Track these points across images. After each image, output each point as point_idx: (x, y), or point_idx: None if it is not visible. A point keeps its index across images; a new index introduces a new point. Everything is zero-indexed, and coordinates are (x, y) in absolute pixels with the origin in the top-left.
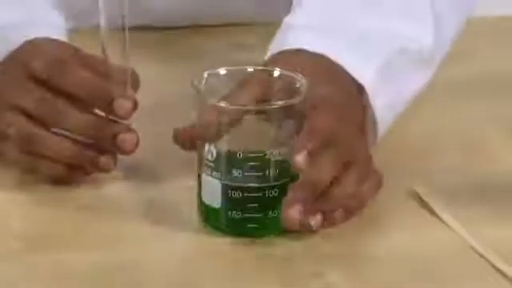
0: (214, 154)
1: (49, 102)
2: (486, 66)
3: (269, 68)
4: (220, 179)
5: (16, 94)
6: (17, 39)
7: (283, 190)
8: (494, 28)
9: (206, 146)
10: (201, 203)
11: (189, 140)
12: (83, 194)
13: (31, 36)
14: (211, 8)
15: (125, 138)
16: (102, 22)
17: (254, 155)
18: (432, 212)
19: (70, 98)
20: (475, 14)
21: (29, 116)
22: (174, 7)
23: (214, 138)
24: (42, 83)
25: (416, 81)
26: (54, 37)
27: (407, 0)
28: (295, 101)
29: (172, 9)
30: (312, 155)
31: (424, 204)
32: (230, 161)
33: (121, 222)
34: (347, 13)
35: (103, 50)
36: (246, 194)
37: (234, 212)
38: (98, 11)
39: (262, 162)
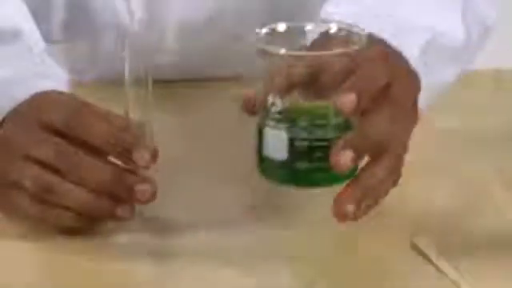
0: (280, 106)
1: (66, 152)
2: (489, 118)
3: (326, 24)
4: (286, 130)
5: (29, 145)
6: (23, 92)
7: None
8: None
9: (271, 99)
10: (262, 158)
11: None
12: (93, 241)
13: (37, 89)
14: (211, 62)
15: (142, 189)
16: (127, 75)
17: (319, 104)
18: (432, 263)
19: (87, 147)
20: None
21: (43, 166)
22: (176, 62)
23: (286, 90)
24: (57, 133)
25: (447, 73)
26: (60, 89)
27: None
28: (356, 47)
29: (173, 64)
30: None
31: (425, 256)
32: (296, 111)
33: (132, 269)
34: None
35: (126, 105)
36: (312, 144)
37: (301, 163)
38: (113, 65)
39: (327, 112)
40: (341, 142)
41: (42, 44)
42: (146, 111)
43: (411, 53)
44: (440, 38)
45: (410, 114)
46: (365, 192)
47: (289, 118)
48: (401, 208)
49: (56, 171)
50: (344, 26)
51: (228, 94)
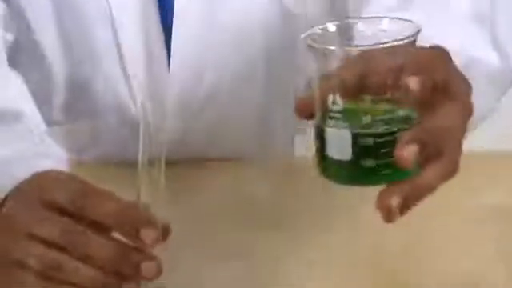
0: (341, 104)
1: (71, 229)
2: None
3: (376, 17)
4: (349, 129)
5: (33, 223)
6: (23, 172)
7: None
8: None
9: (331, 97)
10: (324, 158)
11: (309, 108)
12: None
13: (38, 168)
14: (211, 141)
15: (148, 266)
16: (140, 157)
17: (379, 99)
18: None
19: (90, 223)
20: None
21: (48, 244)
22: (177, 141)
23: (344, 87)
24: (60, 211)
25: (486, 98)
26: (60, 169)
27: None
28: (405, 41)
29: (174, 143)
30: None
31: None
32: (357, 108)
33: None
34: None
35: (138, 188)
36: (376, 140)
37: (367, 161)
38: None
39: (391, 105)
40: (405, 137)
41: (42, 125)
42: (158, 192)
43: None
44: (477, 64)
45: (468, 110)
46: (412, 192)
47: (351, 115)
48: None
49: (61, 249)
50: (394, 19)
51: (229, 174)
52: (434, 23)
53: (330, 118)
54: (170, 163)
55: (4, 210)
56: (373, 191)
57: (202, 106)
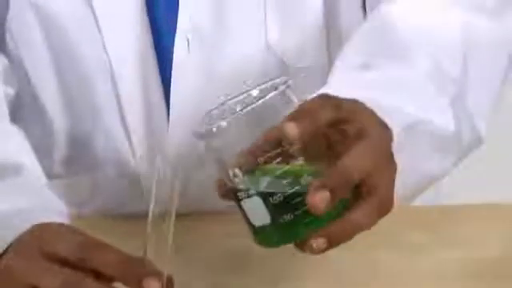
0: (240, 174)
1: (73, 280)
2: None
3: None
4: (257, 194)
5: (34, 274)
6: (24, 225)
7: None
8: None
9: (230, 173)
10: (254, 230)
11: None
12: None
13: (38, 221)
14: (211, 194)
15: None
16: (151, 212)
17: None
18: None
19: (94, 275)
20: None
21: None
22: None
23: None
24: (63, 263)
25: (432, 163)
26: (60, 221)
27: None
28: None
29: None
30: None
31: None
32: (256, 172)
33: None
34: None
35: (145, 241)
36: (285, 194)
37: (285, 216)
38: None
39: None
40: (314, 183)
41: (43, 178)
42: (164, 246)
43: (392, 130)
44: (426, 124)
45: (380, 148)
46: (338, 233)
47: (253, 181)
48: None
49: None
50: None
51: (227, 227)
52: (392, 81)
53: (239, 191)
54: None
55: (4, 261)
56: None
57: (201, 159)
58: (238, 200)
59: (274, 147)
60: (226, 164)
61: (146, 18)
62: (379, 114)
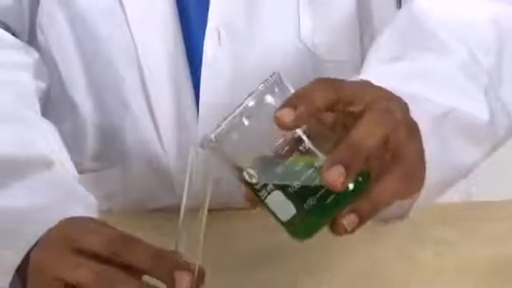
0: (254, 173)
1: (107, 275)
2: None
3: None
4: (276, 188)
5: (65, 269)
6: (54, 218)
7: None
8: None
9: (245, 174)
10: (286, 226)
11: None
12: None
13: (68, 215)
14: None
15: None
16: (183, 209)
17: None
18: None
19: (125, 270)
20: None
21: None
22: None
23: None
24: (92, 258)
25: (467, 153)
26: (90, 216)
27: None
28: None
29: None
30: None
31: None
32: (268, 166)
33: None
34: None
35: (178, 236)
36: (300, 180)
37: (308, 201)
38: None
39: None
40: (327, 160)
41: (74, 173)
42: (197, 241)
43: (422, 120)
44: (459, 114)
45: (415, 168)
46: (366, 208)
47: (268, 176)
48: None
49: None
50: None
51: (257, 223)
52: (423, 71)
53: (258, 191)
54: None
55: (33, 256)
56: None
57: None
58: (262, 201)
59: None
60: (240, 167)
61: (175, 12)
62: (408, 103)
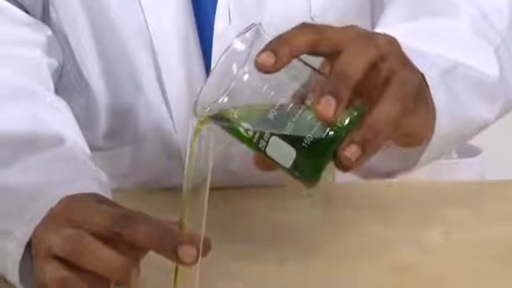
0: (250, 126)
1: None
2: None
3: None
4: (270, 133)
5: (57, 242)
6: (62, 193)
7: None
8: None
9: (241, 129)
10: (293, 174)
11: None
12: None
13: (78, 191)
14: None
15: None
16: (185, 181)
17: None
18: None
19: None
20: None
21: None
22: (224, 168)
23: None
24: (98, 235)
25: (478, 107)
26: (102, 193)
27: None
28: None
29: (220, 170)
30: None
31: None
32: (262, 117)
33: None
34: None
35: (181, 214)
36: (292, 120)
37: (304, 139)
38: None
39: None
40: (317, 91)
41: (86, 150)
42: (200, 218)
43: (430, 72)
44: (466, 69)
45: (408, 83)
46: (368, 133)
47: (263, 124)
48: None
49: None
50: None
51: (268, 201)
52: (432, 29)
53: (257, 143)
54: (212, 189)
55: (35, 233)
56: None
57: None
58: (264, 152)
59: None
60: (234, 124)
61: None
62: (415, 58)
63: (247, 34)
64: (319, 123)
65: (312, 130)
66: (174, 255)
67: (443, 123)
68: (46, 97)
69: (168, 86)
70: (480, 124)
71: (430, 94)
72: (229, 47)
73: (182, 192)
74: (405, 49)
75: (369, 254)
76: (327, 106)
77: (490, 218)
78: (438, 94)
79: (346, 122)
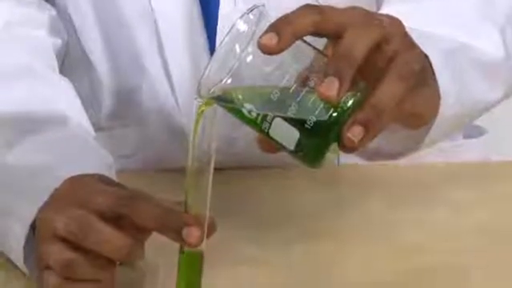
0: (253, 108)
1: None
2: None
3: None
4: (274, 114)
5: (62, 224)
6: (67, 175)
7: None
8: None
9: (245, 111)
10: (295, 155)
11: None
12: None
13: (82, 171)
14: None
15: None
16: (190, 162)
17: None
18: None
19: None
20: None
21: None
22: (226, 149)
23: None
24: (102, 216)
25: (482, 88)
26: (106, 174)
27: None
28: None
29: (223, 151)
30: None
31: None
32: (264, 98)
33: None
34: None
35: (185, 195)
36: (296, 101)
37: (308, 121)
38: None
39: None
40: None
41: (91, 130)
42: (205, 199)
43: (434, 54)
44: (471, 50)
45: (409, 64)
46: (373, 111)
47: (265, 105)
48: None
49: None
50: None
51: (273, 182)
52: (436, 9)
53: (261, 124)
54: (216, 169)
55: (39, 214)
56: None
57: None
58: (267, 134)
59: None
60: (238, 105)
61: None
62: (418, 40)
63: (250, 15)
64: (322, 105)
65: (315, 112)
66: (178, 236)
67: (448, 104)
68: (50, 76)
69: (172, 67)
70: (485, 105)
71: (434, 75)
72: (232, 28)
73: (187, 173)
74: (408, 30)
75: (374, 236)
76: (330, 86)
77: (496, 199)
78: (442, 76)
79: (350, 103)
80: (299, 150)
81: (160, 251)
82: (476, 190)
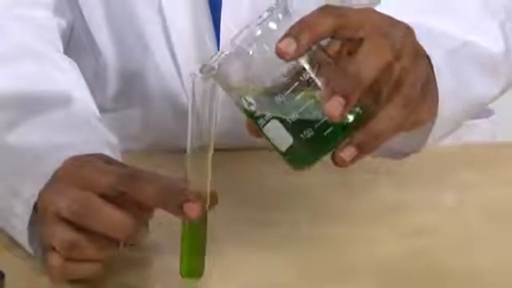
0: (253, 101)
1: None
2: None
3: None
4: (273, 118)
5: (64, 203)
6: (71, 154)
7: None
8: None
9: (244, 102)
10: (284, 155)
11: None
12: None
13: (85, 152)
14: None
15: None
16: (189, 143)
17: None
18: None
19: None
20: None
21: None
22: (231, 130)
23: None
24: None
25: (482, 85)
26: (110, 154)
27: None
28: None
29: (228, 131)
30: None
31: None
32: (268, 96)
33: None
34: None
35: (186, 172)
36: (299, 111)
37: (305, 132)
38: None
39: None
40: (327, 90)
41: (95, 112)
42: (205, 176)
43: (436, 53)
44: (472, 47)
45: (413, 96)
46: (367, 139)
47: (265, 106)
48: None
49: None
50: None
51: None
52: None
53: (257, 118)
54: (222, 150)
55: (40, 194)
56: None
57: None
58: (261, 129)
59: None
60: (240, 93)
61: None
62: (421, 37)
63: (275, 14)
64: (323, 120)
65: (315, 126)
66: (179, 211)
67: (447, 104)
68: (55, 56)
69: (177, 47)
70: (485, 100)
71: (435, 78)
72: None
73: (187, 151)
74: (413, 25)
75: (383, 218)
76: (336, 106)
77: (505, 180)
78: (442, 76)
79: (350, 119)
80: (288, 154)
81: (164, 229)
82: (485, 171)
